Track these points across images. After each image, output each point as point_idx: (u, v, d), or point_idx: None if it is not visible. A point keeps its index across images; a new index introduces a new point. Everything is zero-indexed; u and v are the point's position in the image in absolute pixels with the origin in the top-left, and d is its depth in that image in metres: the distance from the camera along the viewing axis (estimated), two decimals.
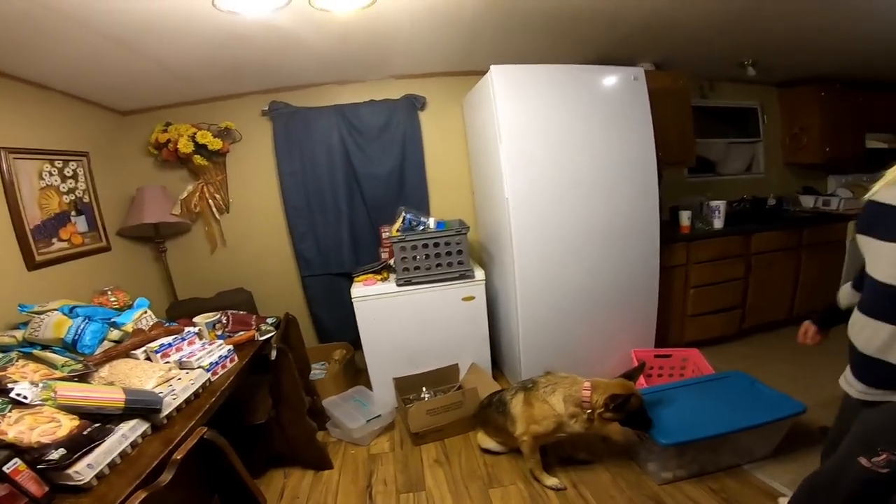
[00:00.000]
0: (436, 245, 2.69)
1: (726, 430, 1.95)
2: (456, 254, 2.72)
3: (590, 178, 2.63)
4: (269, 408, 2.27)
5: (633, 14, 2.37)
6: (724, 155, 4.09)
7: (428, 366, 2.82)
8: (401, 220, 2.76)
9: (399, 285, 2.71)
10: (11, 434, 1.16)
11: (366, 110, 3.15)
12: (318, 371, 3.05)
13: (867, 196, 1.19)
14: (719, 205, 3.36)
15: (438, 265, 2.72)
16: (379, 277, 2.85)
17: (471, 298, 2.79)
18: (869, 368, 1.14)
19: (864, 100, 3.89)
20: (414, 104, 3.22)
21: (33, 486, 1.11)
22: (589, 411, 1.96)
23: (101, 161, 2.68)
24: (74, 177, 2.46)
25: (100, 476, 1.20)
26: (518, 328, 2.72)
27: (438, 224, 2.84)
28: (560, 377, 2.12)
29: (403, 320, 2.76)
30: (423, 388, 2.78)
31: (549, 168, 2.56)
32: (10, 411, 1.24)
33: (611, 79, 2.62)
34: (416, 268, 2.71)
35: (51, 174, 2.30)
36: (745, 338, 3.50)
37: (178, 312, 2.72)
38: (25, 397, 1.28)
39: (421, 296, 2.73)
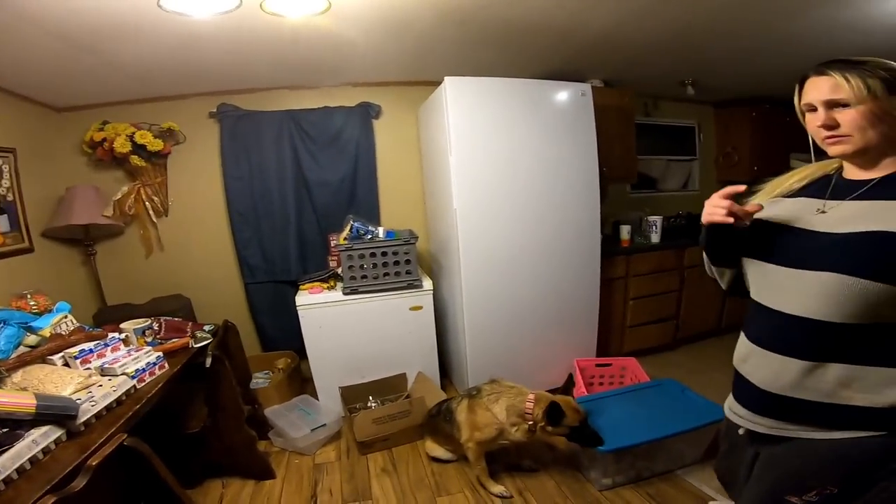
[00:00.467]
0: (384, 254, 2.69)
1: (658, 435, 2.04)
2: (404, 263, 2.73)
3: (536, 191, 2.71)
4: (205, 416, 2.18)
5: (583, 31, 2.47)
6: (664, 172, 4.34)
7: (375, 375, 2.79)
8: (349, 228, 2.74)
9: (346, 294, 2.68)
10: None
11: (319, 116, 3.13)
12: (260, 380, 2.96)
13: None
14: (657, 220, 3.55)
15: (386, 274, 2.71)
16: (326, 286, 2.81)
17: (418, 308, 2.79)
18: (778, 405, 1.00)
19: (790, 120, 4.22)
20: (368, 112, 3.23)
21: None
22: (531, 423, 2.00)
23: (29, 158, 2.51)
24: None
25: (7, 481, 1.16)
26: (465, 337, 2.75)
27: (388, 233, 2.84)
28: (506, 386, 2.16)
29: (350, 329, 2.72)
30: (370, 398, 2.75)
31: (497, 180, 2.63)
32: None
33: (560, 94, 2.71)
34: (364, 276, 2.69)
35: None
36: (680, 347, 3.69)
37: (106, 318, 2.57)
38: None
39: (368, 305, 2.71)
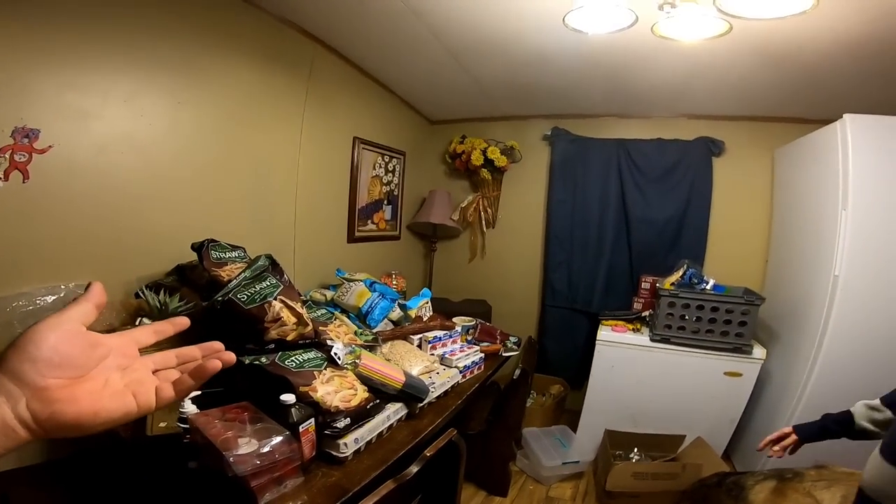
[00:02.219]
0: (714, 309, 2.34)
1: None
2: (737, 324, 2.33)
3: None
4: (484, 420, 2.29)
5: None
6: None
7: (648, 427, 2.53)
8: (681, 272, 2.47)
9: (653, 340, 2.46)
10: (320, 393, 1.19)
11: (652, 148, 2.94)
12: (528, 399, 3.02)
13: None
14: None
15: (710, 331, 2.37)
16: (630, 326, 2.62)
17: (737, 375, 2.39)
18: None
19: None
20: (709, 148, 2.85)
21: (308, 449, 1.11)
22: None
23: (411, 161, 3.16)
24: (393, 171, 2.96)
25: (356, 452, 1.21)
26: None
27: (716, 287, 2.44)
28: (841, 472, 1.66)
29: (645, 376, 2.51)
30: (636, 449, 2.51)
31: None
32: (325, 368, 1.29)
33: None
34: (681, 328, 2.40)
35: (380, 166, 2.82)
36: None
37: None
38: (339, 357, 1.39)
39: (676, 357, 2.44)
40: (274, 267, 1.52)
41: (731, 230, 2.87)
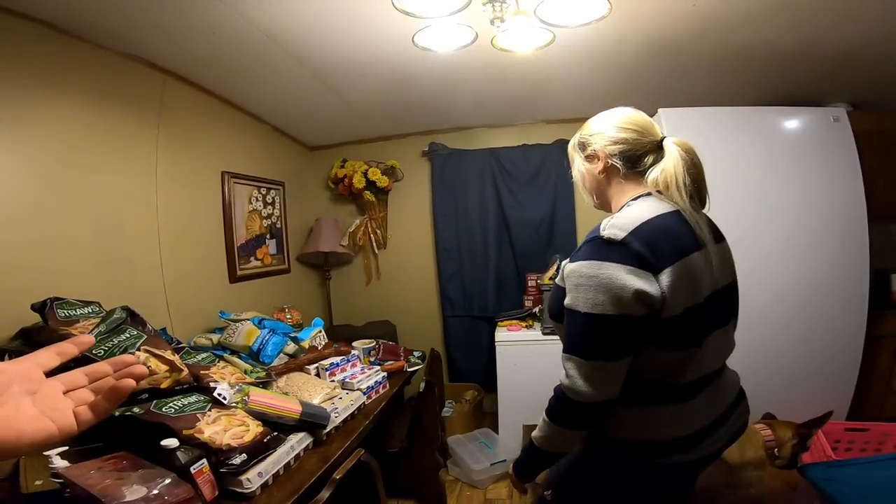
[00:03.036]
0: None
1: None
2: None
3: (784, 234, 2.32)
4: (404, 437, 2.28)
5: (818, 54, 2.12)
6: None
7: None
8: (554, 267, 2.68)
9: (545, 333, 2.62)
10: (207, 434, 1.17)
11: (518, 154, 3.19)
12: (446, 409, 3.05)
13: None
14: None
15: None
16: (523, 324, 2.78)
17: None
18: None
19: None
20: (566, 150, 3.17)
21: (207, 489, 1.09)
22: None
23: (291, 191, 3.09)
24: (273, 204, 2.86)
25: (263, 485, 1.20)
26: None
27: None
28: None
29: (544, 369, 2.61)
30: None
31: (733, 221, 2.24)
32: (209, 410, 1.27)
33: (804, 120, 2.35)
34: None
35: (257, 199, 2.71)
36: None
37: (333, 336, 2.94)
38: (224, 398, 1.35)
39: None
40: (133, 318, 1.44)
41: (595, 220, 3.17)
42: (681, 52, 2.13)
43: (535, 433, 1.01)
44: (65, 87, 1.67)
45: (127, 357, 0.50)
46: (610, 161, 1.00)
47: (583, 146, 1.05)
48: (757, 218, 2.32)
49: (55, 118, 1.64)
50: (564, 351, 0.92)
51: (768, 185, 2.33)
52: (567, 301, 0.91)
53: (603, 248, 0.88)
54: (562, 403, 0.93)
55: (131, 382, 0.46)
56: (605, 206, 1.07)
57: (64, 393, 0.46)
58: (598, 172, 1.03)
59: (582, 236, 3.08)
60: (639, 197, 0.98)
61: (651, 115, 2.41)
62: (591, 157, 1.04)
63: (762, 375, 2.38)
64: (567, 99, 2.81)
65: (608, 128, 1.02)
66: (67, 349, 0.49)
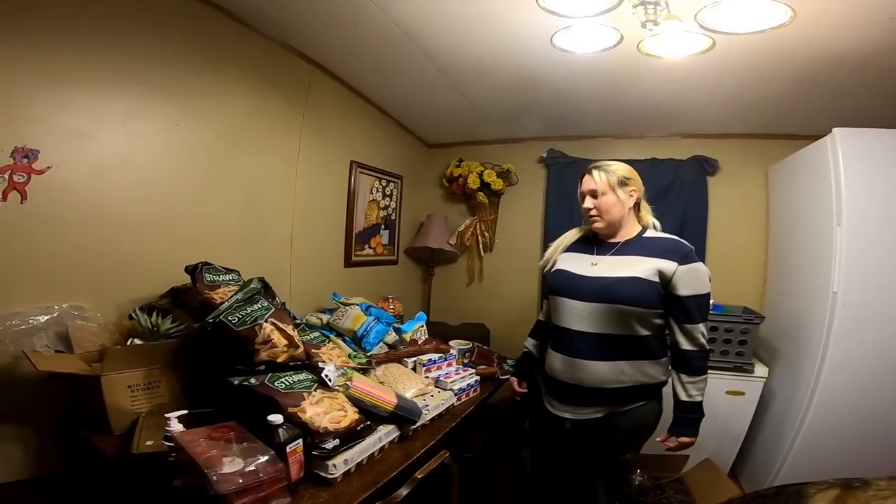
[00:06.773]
0: (713, 329, 2.30)
1: None
2: (737, 343, 2.33)
3: None
4: (481, 444, 2.24)
5: None
6: None
7: (650, 448, 2.41)
8: None
9: None
10: (308, 414, 1.19)
11: (646, 169, 2.87)
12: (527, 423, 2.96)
13: None
14: None
15: (710, 350, 2.32)
16: None
17: (739, 394, 2.38)
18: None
19: None
20: (703, 167, 2.88)
21: (295, 469, 1.11)
22: None
23: (407, 185, 3.20)
24: (391, 196, 2.99)
25: (345, 473, 1.20)
26: (795, 437, 2.15)
27: (715, 307, 2.42)
28: None
29: None
30: (638, 470, 2.45)
31: None
32: (315, 390, 1.30)
33: None
34: None
35: (377, 190, 2.85)
36: None
37: (428, 332, 2.98)
38: (330, 380, 1.38)
39: None
40: (266, 290, 1.53)
41: (729, 249, 2.86)
42: (866, 67, 1.85)
43: (695, 393, 1.46)
44: (232, 71, 1.88)
45: None
46: (639, 198, 1.52)
47: (623, 183, 1.47)
48: None
49: (224, 100, 1.86)
50: (699, 321, 1.41)
51: None
52: (701, 290, 1.41)
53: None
54: (707, 355, 1.47)
55: None
56: (614, 226, 1.51)
57: None
58: (631, 206, 1.50)
59: (712, 261, 2.85)
60: (649, 227, 1.54)
61: (823, 135, 2.13)
62: (630, 193, 1.48)
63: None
64: (709, 113, 2.57)
65: (637, 175, 1.52)
66: None
